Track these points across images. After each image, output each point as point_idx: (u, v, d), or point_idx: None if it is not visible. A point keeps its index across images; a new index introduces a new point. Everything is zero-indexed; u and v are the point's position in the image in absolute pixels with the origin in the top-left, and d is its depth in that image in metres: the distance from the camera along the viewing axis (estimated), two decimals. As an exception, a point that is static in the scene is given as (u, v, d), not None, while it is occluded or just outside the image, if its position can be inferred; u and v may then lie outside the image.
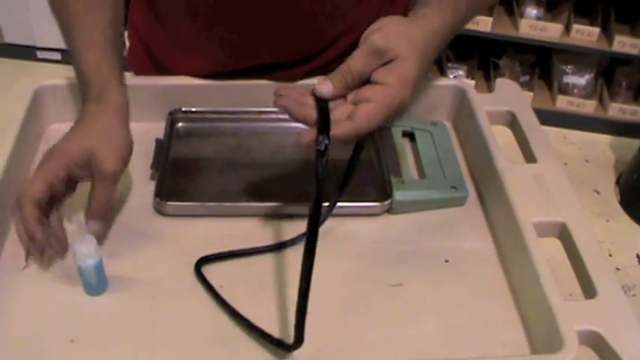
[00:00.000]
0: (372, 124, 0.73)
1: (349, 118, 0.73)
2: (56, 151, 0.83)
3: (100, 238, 0.83)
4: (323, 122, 0.72)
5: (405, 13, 1.05)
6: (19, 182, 0.92)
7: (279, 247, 0.87)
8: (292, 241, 0.87)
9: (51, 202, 0.82)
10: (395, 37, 0.75)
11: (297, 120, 0.74)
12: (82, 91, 0.88)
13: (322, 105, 0.74)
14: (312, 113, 0.73)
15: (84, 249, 0.78)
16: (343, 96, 0.76)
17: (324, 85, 0.74)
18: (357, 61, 0.74)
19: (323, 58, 1.05)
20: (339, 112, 0.74)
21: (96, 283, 0.80)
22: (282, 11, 0.97)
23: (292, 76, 1.03)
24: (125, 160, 0.84)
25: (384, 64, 0.75)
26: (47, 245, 0.82)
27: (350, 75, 0.74)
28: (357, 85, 0.75)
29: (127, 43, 1.21)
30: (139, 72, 1.16)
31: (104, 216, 0.84)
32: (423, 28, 0.78)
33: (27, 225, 0.79)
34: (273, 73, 1.03)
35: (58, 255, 0.83)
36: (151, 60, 1.12)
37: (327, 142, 0.70)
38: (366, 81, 0.75)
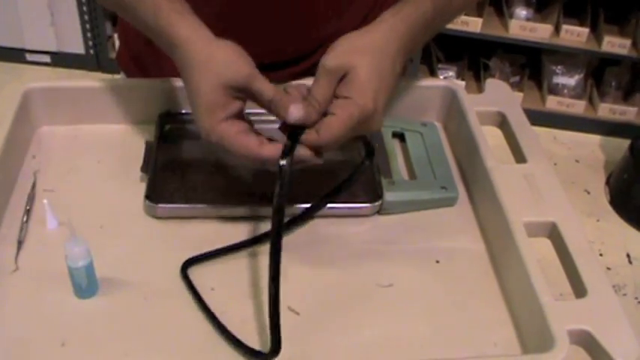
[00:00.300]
0: (336, 136, 0.77)
1: (315, 131, 0.77)
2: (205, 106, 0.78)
3: (306, 119, 0.78)
4: (290, 145, 0.77)
5: None
6: (9, 185, 0.92)
7: (257, 240, 0.87)
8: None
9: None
10: (342, 54, 0.78)
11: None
12: (165, 47, 0.84)
13: (296, 131, 0.78)
14: (290, 107, 0.77)
15: (75, 250, 0.77)
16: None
17: (295, 112, 0.77)
18: (316, 88, 0.78)
19: (316, 57, 1.05)
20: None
21: (86, 285, 0.80)
22: (276, 11, 0.97)
23: (285, 77, 1.03)
24: (246, 59, 0.80)
25: (341, 80, 0.78)
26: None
27: (315, 102, 0.77)
28: (324, 110, 0.78)
29: (117, 44, 1.21)
30: (130, 73, 1.16)
31: (295, 99, 0.79)
32: (374, 35, 0.81)
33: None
34: (266, 74, 1.03)
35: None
36: (143, 62, 1.11)
37: (284, 163, 0.76)
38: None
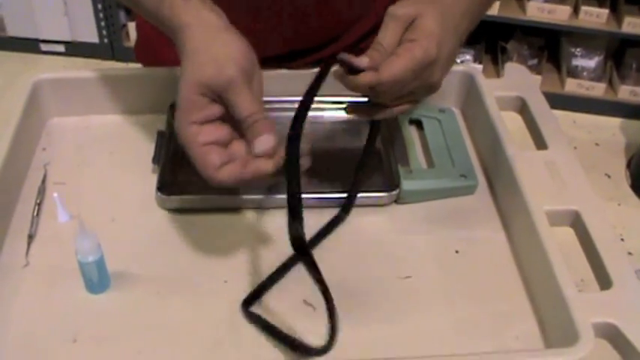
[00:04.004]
0: (397, 75, 0.74)
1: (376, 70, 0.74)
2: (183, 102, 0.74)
3: (274, 151, 0.73)
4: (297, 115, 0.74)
5: None
6: (19, 177, 0.91)
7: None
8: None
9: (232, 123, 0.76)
10: (411, 3, 0.77)
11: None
12: (167, 30, 0.79)
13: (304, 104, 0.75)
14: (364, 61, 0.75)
15: (86, 244, 0.76)
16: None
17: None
18: (383, 35, 0.76)
19: (342, 42, 1.03)
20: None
21: (97, 280, 0.78)
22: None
23: (313, 62, 1.03)
24: (239, 62, 0.73)
25: (407, 28, 0.76)
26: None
27: (380, 46, 0.76)
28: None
29: (135, 35, 1.20)
30: (147, 64, 1.15)
31: (267, 128, 0.74)
32: None
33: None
34: (290, 62, 1.02)
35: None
36: (161, 51, 1.09)
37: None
38: None
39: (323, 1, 0.98)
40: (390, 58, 0.75)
